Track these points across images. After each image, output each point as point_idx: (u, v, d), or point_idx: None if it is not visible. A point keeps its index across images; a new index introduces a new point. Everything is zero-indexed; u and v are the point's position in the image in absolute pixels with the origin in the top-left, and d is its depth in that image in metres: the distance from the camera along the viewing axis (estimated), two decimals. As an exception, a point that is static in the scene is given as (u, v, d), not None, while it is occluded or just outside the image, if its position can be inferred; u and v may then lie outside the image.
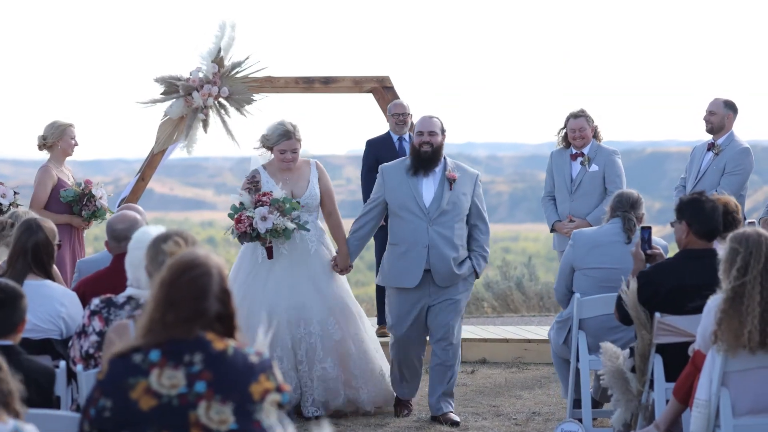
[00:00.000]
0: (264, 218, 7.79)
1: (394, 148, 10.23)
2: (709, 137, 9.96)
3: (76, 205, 9.34)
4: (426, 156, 8.03)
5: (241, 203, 7.94)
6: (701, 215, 6.36)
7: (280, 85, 10.84)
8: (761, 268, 5.39)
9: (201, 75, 10.14)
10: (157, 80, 10.20)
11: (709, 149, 9.85)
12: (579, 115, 9.68)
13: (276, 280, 8.10)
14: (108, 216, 9.36)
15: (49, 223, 6.24)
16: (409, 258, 7.99)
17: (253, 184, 8.10)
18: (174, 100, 10.23)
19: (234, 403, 3.61)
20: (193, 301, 3.67)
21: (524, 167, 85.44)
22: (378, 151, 10.08)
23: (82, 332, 5.20)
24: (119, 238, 6.18)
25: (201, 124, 10.32)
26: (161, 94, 10.23)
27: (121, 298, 5.17)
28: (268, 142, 8.15)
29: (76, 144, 9.59)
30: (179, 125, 10.38)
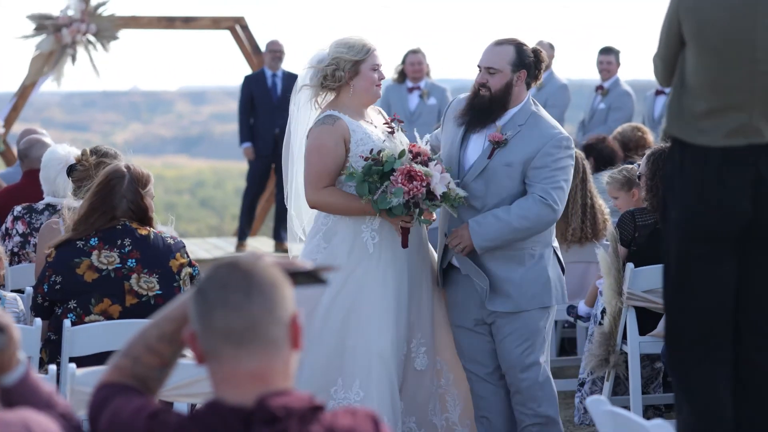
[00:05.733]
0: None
1: (266, 84, 11.21)
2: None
3: None
4: (481, 104, 5.18)
5: (392, 154, 5.01)
6: None
7: (144, 23, 11.73)
8: (579, 179, 6.70)
9: (70, 13, 11.00)
10: (29, 17, 11.01)
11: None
12: (418, 51, 11.03)
13: (386, 282, 5.21)
14: None
15: None
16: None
17: (389, 126, 5.28)
18: (44, 36, 11.07)
19: (158, 275, 4.68)
20: (107, 200, 4.69)
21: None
22: (251, 86, 11.03)
23: (6, 234, 6.13)
24: (21, 156, 7.08)
25: (69, 58, 11.18)
26: (33, 30, 11.05)
27: (40, 205, 6.10)
28: (346, 60, 5.17)
29: None
30: (49, 60, 11.22)
